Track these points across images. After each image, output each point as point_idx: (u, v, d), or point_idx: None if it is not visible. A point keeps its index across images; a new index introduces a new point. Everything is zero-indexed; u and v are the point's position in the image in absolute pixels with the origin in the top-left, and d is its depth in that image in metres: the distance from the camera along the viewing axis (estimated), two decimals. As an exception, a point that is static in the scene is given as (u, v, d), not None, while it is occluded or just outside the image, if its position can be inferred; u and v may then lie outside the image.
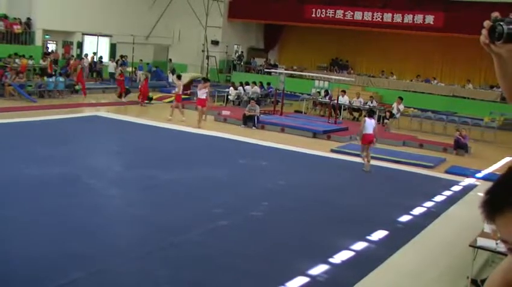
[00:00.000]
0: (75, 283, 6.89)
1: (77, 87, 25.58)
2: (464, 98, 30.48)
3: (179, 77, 22.53)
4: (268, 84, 28.91)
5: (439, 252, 9.37)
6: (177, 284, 7.29)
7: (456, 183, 14.32)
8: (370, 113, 15.43)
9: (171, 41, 36.65)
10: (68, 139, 15.83)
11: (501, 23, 1.83)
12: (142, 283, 7.14)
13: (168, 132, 18.45)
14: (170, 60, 35.48)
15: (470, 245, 7.73)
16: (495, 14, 1.87)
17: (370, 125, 14.45)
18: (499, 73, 1.96)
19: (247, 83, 27.27)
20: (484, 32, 1.85)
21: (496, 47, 1.85)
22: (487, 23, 1.84)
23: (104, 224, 9.03)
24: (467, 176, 15.17)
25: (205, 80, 21.18)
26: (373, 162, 15.87)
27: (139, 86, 25.10)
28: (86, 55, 31.66)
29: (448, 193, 13.30)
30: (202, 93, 19.65)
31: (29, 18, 28.51)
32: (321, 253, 8.57)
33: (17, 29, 27.68)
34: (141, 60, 32.98)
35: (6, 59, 25.52)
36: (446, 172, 15.65)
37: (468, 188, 13.91)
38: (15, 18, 28.02)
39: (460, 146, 18.69)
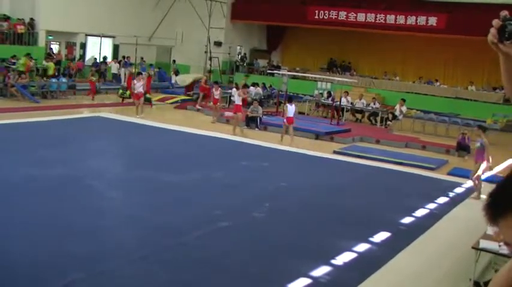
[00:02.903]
0: (75, 284, 6.88)
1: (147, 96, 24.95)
2: (467, 99, 30.46)
3: (140, 74, 22.67)
4: (270, 86, 28.91)
5: (441, 254, 9.34)
6: (178, 286, 7.29)
7: (458, 185, 14.29)
8: (290, 100, 19.45)
9: (174, 42, 36.65)
10: (71, 140, 15.82)
11: (511, 22, 1.80)
12: (142, 285, 7.12)
13: (169, 134, 18.44)
14: (174, 61, 35.48)
15: (473, 247, 7.72)
16: (504, 13, 1.83)
17: (291, 110, 18.21)
18: (505, 74, 1.93)
19: (253, 85, 27.15)
20: (493, 31, 1.82)
21: (504, 46, 1.82)
22: (496, 22, 1.80)
23: (104, 226, 9.02)
24: (469, 178, 15.12)
25: (245, 86, 20.88)
26: (375, 163, 15.86)
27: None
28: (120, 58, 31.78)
29: (450, 194, 13.29)
30: (239, 99, 19.73)
31: (32, 19, 28.54)
32: (323, 254, 8.56)
33: (20, 29, 27.70)
34: (144, 61, 32.97)
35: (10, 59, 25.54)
36: (449, 173, 15.63)
37: (470, 190, 13.86)
38: (18, 19, 28.05)
39: (462, 148, 18.66)
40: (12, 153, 13.34)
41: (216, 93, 21.73)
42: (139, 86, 21.15)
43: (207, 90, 24.84)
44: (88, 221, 9.15)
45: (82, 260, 7.51)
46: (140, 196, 10.97)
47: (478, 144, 12.72)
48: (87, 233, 8.59)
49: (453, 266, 8.90)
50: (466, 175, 15.35)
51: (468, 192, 13.68)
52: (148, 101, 24.30)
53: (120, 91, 25.27)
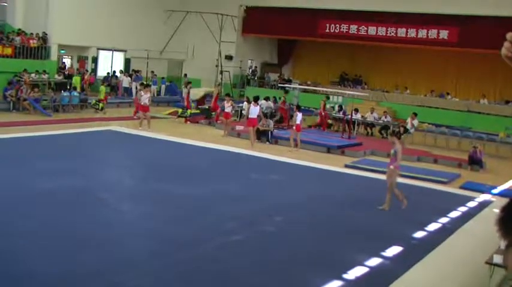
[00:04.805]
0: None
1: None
2: (479, 113, 30.26)
3: (147, 86, 22.63)
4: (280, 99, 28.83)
5: (454, 269, 9.26)
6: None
7: (471, 199, 14.18)
8: (298, 108, 20.23)
9: (185, 56, 36.80)
10: (82, 153, 15.89)
11: None
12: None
13: (181, 147, 18.47)
14: (185, 75, 35.59)
15: (486, 263, 7.63)
16: None
17: (298, 117, 19.20)
18: None
19: (265, 99, 26.95)
20: (507, 45, 1.80)
21: None
22: (510, 36, 1.78)
23: (117, 238, 9.02)
24: (482, 192, 15.01)
25: (255, 100, 20.67)
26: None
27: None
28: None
29: (463, 208, 13.18)
30: (254, 113, 19.71)
31: (45, 33, 28.77)
32: (335, 268, 8.50)
33: (33, 43, 27.92)
34: (155, 74, 33.10)
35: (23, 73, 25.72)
36: (461, 187, 15.51)
37: (484, 204, 13.76)
38: (31, 33, 28.29)
39: (474, 162, 18.55)
40: (25, 166, 13.41)
41: (228, 106, 21.75)
42: (145, 98, 21.18)
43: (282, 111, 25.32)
44: (100, 233, 9.17)
45: (94, 272, 7.52)
46: (152, 209, 10.97)
47: (393, 151, 12.41)
48: (99, 245, 8.60)
49: (467, 281, 8.81)
50: (479, 188, 15.27)
51: (481, 206, 13.58)
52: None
53: (180, 111, 25.36)
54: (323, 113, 25.30)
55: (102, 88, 25.99)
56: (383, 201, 12.39)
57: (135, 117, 23.27)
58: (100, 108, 24.94)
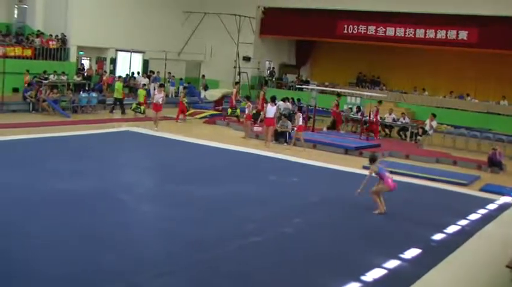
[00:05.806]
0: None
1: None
2: (499, 114, 29.97)
3: (161, 86, 22.75)
4: (299, 100, 28.75)
5: (474, 272, 9.16)
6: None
7: (491, 201, 14.04)
8: (300, 110, 21.83)
9: (203, 57, 36.88)
10: (101, 154, 15.98)
11: None
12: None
13: (199, 148, 18.48)
14: (203, 76, 35.67)
15: (507, 266, 7.54)
16: None
17: (300, 119, 20.01)
18: None
19: (283, 99, 26.84)
20: None
21: None
22: None
23: (135, 240, 9.03)
24: (502, 194, 14.86)
25: (272, 99, 20.63)
26: (405, 179, 15.64)
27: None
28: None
29: (482, 211, 13.04)
30: (272, 113, 19.93)
31: (63, 35, 28.98)
32: (353, 270, 8.45)
33: (52, 45, 28.15)
34: (173, 76, 33.19)
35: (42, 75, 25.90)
36: (481, 189, 15.36)
37: (504, 207, 13.62)
38: (50, 35, 28.51)
39: (494, 164, 18.37)
40: (43, 166, 13.48)
41: (247, 107, 21.74)
42: (159, 97, 21.33)
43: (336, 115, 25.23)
44: (118, 234, 9.19)
45: (113, 274, 7.53)
46: (171, 210, 10.98)
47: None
48: (117, 246, 8.62)
49: (487, 284, 8.71)
50: (499, 191, 15.11)
51: (501, 209, 13.43)
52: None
53: (230, 111, 25.50)
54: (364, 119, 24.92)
55: (141, 91, 25.92)
56: (400, 202, 12.29)
57: (178, 120, 24.37)
58: (142, 111, 24.92)
